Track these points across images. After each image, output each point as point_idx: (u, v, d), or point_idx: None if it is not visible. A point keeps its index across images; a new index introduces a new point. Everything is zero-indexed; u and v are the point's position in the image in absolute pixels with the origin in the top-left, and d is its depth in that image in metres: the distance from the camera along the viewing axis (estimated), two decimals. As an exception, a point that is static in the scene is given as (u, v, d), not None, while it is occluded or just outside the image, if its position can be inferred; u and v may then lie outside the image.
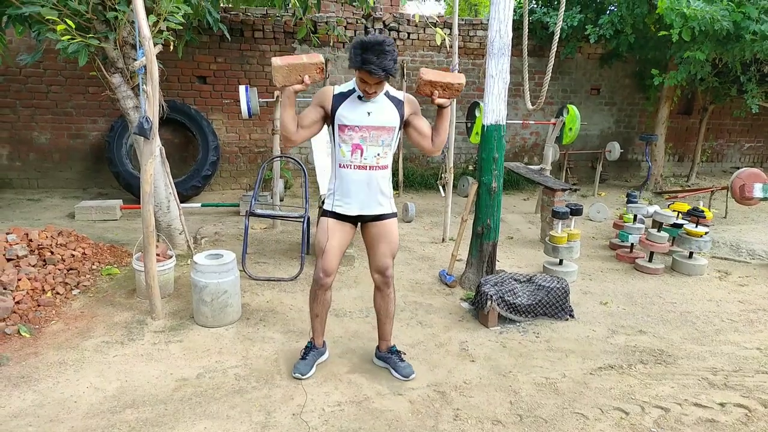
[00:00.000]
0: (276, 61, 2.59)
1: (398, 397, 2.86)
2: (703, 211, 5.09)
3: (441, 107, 2.75)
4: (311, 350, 3.10)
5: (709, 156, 10.39)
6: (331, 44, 7.94)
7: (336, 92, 2.75)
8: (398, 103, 2.77)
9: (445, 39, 5.22)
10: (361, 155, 2.73)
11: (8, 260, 3.95)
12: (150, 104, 3.47)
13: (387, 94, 2.75)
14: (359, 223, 2.92)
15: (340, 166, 2.78)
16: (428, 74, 2.65)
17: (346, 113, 2.70)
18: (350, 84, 2.76)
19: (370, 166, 2.75)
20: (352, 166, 2.75)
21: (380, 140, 2.73)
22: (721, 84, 8.32)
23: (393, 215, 2.92)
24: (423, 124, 2.86)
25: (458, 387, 2.97)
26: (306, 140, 2.92)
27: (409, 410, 2.74)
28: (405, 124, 2.84)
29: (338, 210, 2.83)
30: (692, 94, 9.49)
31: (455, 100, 5.41)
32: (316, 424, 2.61)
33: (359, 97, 2.70)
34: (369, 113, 2.70)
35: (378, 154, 2.75)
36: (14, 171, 7.47)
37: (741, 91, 7.97)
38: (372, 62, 2.47)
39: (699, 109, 9.51)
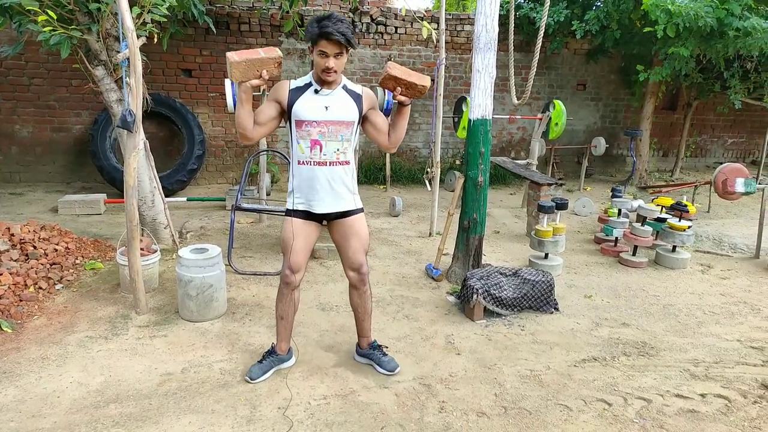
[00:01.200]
0: (232, 56, 2.46)
1: (384, 390, 2.87)
2: (686, 206, 5.16)
3: (401, 105, 2.71)
4: (270, 355, 2.99)
5: (693, 151, 10.51)
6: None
7: (292, 87, 2.67)
8: (357, 97, 2.71)
9: (432, 33, 5.22)
10: (321, 151, 2.66)
11: (-11, 255, 3.90)
12: (133, 97, 3.43)
13: (345, 88, 2.69)
14: (325, 221, 2.84)
15: (299, 163, 2.70)
16: (394, 69, 2.59)
17: (303, 108, 2.62)
18: (307, 78, 2.69)
19: (330, 162, 2.68)
20: (312, 163, 2.67)
21: (339, 135, 2.67)
22: (705, 80, 8.41)
23: (360, 211, 2.86)
24: (380, 120, 2.81)
25: (444, 380, 2.98)
26: (263, 137, 2.85)
27: (395, 403, 2.75)
28: (363, 119, 2.78)
29: (300, 208, 2.75)
30: (677, 90, 9.59)
31: (441, 95, 5.42)
32: (302, 417, 2.61)
33: (316, 91, 2.63)
34: (327, 107, 2.63)
35: (338, 150, 2.68)
36: (-4, 165, 7.36)
37: (724, 87, 8.06)
38: (329, 27, 2.42)
39: (683, 105, 9.61)
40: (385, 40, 8.27)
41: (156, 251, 4.12)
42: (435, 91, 5.45)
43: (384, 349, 3.12)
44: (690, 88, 8.98)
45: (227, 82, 5.22)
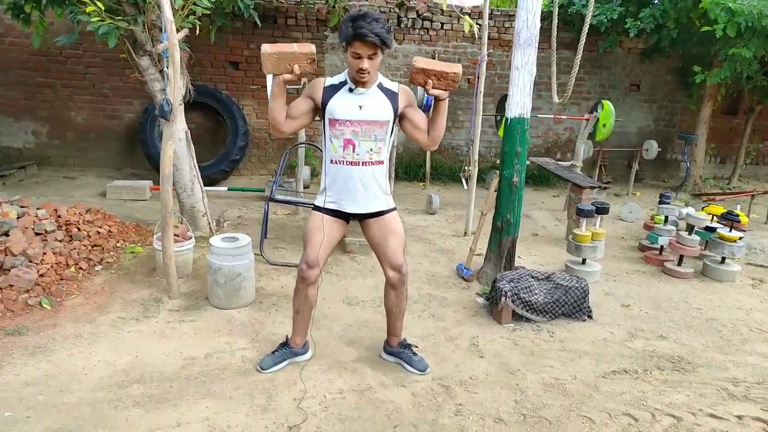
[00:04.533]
0: (265, 48, 2.49)
1: (401, 388, 2.83)
2: (738, 215, 4.87)
3: (437, 99, 2.62)
4: (283, 347, 2.99)
5: (754, 158, 9.91)
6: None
7: (327, 84, 2.64)
8: (392, 96, 2.65)
9: (473, 26, 5.11)
10: (354, 151, 2.62)
11: (36, 234, 4.08)
12: (171, 87, 3.51)
13: (380, 86, 2.64)
14: (356, 221, 2.82)
15: (331, 162, 2.68)
16: (420, 62, 2.53)
17: (337, 107, 2.59)
18: (342, 76, 2.65)
19: (363, 162, 2.64)
20: (344, 162, 2.64)
21: (373, 135, 2.62)
22: (770, 83, 7.92)
23: (393, 210, 2.82)
24: (419, 117, 2.74)
25: (464, 382, 2.92)
26: (296, 131, 2.86)
27: (411, 402, 2.71)
28: (400, 117, 2.71)
29: (331, 207, 2.73)
30: (738, 93, 9.07)
31: (482, 92, 5.31)
32: (316, 410, 2.61)
33: (350, 90, 2.60)
34: (361, 107, 2.58)
35: (371, 149, 2.64)
36: (53, 149, 7.72)
37: (791, 90, 7.58)
38: (363, 27, 2.36)
39: (745, 110, 9.09)
40: (430, 36, 8.19)
41: (191, 238, 4.22)
42: (476, 88, 5.35)
43: (414, 349, 3.07)
44: (753, 91, 8.47)
45: (268, 76, 5.28)
